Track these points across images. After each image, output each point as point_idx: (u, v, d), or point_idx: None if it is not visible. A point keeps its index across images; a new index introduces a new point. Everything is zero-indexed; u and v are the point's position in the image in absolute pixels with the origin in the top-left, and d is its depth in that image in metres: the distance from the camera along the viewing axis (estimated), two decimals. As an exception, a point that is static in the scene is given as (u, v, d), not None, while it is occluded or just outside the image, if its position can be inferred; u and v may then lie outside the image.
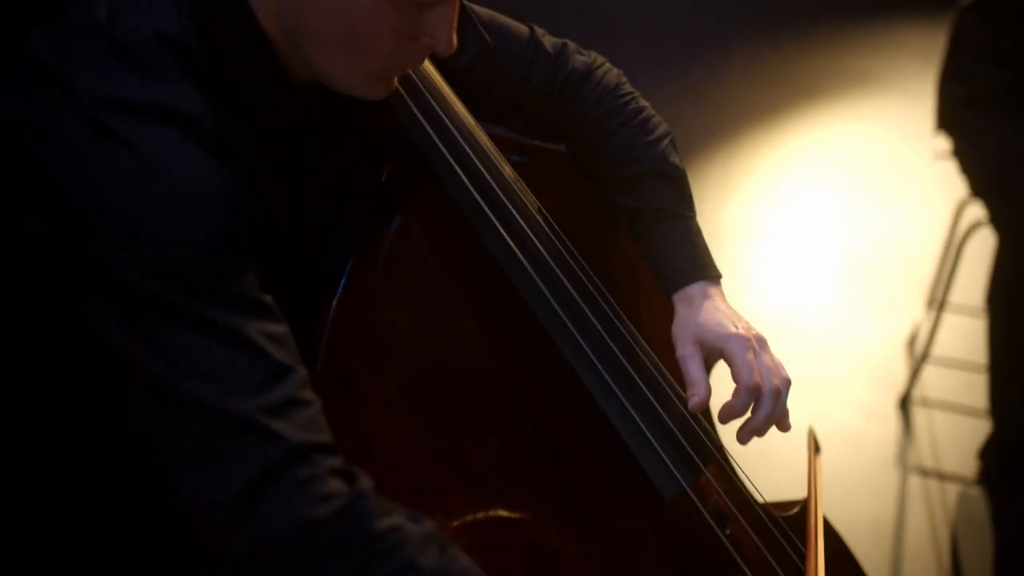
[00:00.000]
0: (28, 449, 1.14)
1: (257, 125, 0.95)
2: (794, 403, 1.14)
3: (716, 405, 1.15)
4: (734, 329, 1.14)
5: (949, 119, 2.42)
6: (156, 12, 0.93)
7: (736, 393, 1.11)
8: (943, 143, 2.50)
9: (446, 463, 1.05)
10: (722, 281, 1.22)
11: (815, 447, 1.30)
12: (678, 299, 1.20)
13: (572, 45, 1.29)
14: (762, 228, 3.46)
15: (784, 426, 1.15)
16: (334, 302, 1.03)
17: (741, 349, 1.12)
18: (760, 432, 1.13)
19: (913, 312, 2.96)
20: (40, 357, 1.00)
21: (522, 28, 1.26)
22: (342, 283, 1.04)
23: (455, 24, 0.97)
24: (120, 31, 0.91)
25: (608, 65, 1.30)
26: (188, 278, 0.86)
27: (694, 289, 1.19)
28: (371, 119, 1.11)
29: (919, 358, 2.68)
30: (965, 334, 2.82)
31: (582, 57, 1.28)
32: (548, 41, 1.27)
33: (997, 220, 2.33)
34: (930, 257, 2.89)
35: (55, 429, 1.09)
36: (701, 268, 1.20)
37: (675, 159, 1.24)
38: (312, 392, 0.90)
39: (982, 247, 2.54)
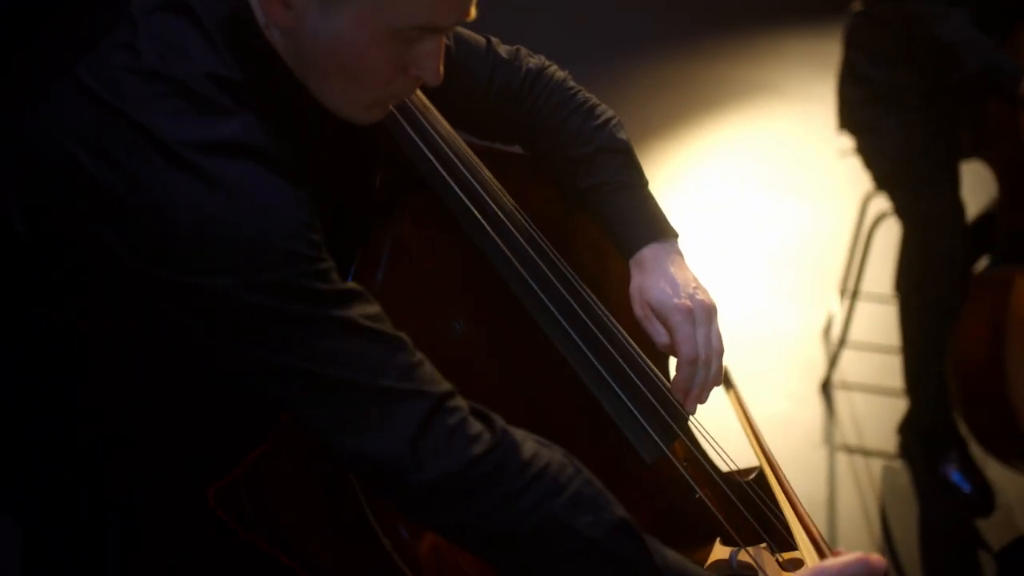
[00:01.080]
0: (28, 449, 1.22)
1: (298, 141, 1.06)
2: (722, 390, 1.28)
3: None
4: (676, 300, 1.26)
5: (849, 118, 2.64)
6: (198, 54, 1.02)
7: (678, 366, 1.26)
8: (846, 141, 2.71)
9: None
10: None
11: (727, 382, 1.39)
12: (632, 263, 1.32)
13: (524, 49, 1.42)
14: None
15: (702, 398, 1.28)
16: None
17: (682, 322, 1.25)
18: (700, 399, 1.27)
19: (828, 301, 3.17)
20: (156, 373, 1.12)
21: (479, 39, 1.38)
22: (349, 279, 1.15)
23: (441, 56, 1.07)
24: (178, 74, 1.00)
25: (556, 65, 1.43)
26: (298, 288, 0.98)
27: (645, 252, 1.31)
28: (361, 131, 1.23)
29: (836, 344, 2.89)
30: (878, 319, 3.03)
31: (533, 59, 1.41)
32: (503, 49, 1.39)
33: (900, 210, 2.54)
34: (841, 249, 3.11)
35: (65, 430, 1.18)
36: (654, 231, 1.32)
37: (622, 135, 1.37)
38: (419, 351, 1.04)
39: (888, 237, 2.75)
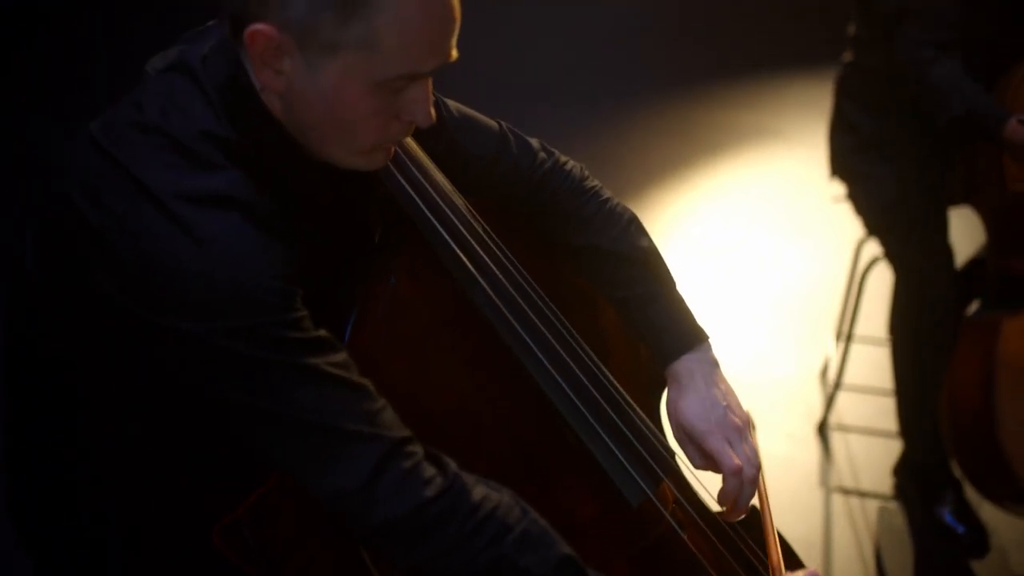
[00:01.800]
0: (29, 450, 1.30)
1: (287, 197, 1.14)
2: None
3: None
4: (708, 425, 1.34)
5: (841, 165, 2.72)
6: (197, 112, 1.11)
7: (724, 477, 1.33)
8: (838, 188, 2.79)
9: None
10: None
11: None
12: (668, 375, 1.40)
13: (536, 142, 1.47)
14: (674, 274, 3.72)
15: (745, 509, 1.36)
16: (343, 348, 1.21)
17: (718, 447, 1.33)
18: (744, 509, 1.35)
19: (824, 344, 3.24)
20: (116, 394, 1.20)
21: (491, 122, 1.45)
22: (347, 333, 1.23)
23: (430, 98, 1.15)
24: (175, 130, 1.10)
25: (572, 161, 1.49)
26: (269, 336, 1.06)
27: (679, 367, 1.38)
28: (363, 189, 1.31)
29: (832, 386, 2.95)
30: (874, 362, 3.09)
31: (545, 154, 1.46)
32: (516, 136, 1.45)
33: (891, 255, 2.62)
34: (838, 292, 3.18)
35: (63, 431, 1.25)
36: (685, 342, 1.39)
37: (643, 242, 1.44)
38: (382, 398, 1.12)
39: (883, 280, 2.82)
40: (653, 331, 1.40)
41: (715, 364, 1.39)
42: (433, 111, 1.17)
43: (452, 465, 1.14)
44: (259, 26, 1.06)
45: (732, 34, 5.84)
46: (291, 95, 1.11)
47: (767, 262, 3.84)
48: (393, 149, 1.23)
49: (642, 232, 1.44)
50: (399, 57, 1.08)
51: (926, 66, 2.34)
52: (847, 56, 2.67)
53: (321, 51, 1.07)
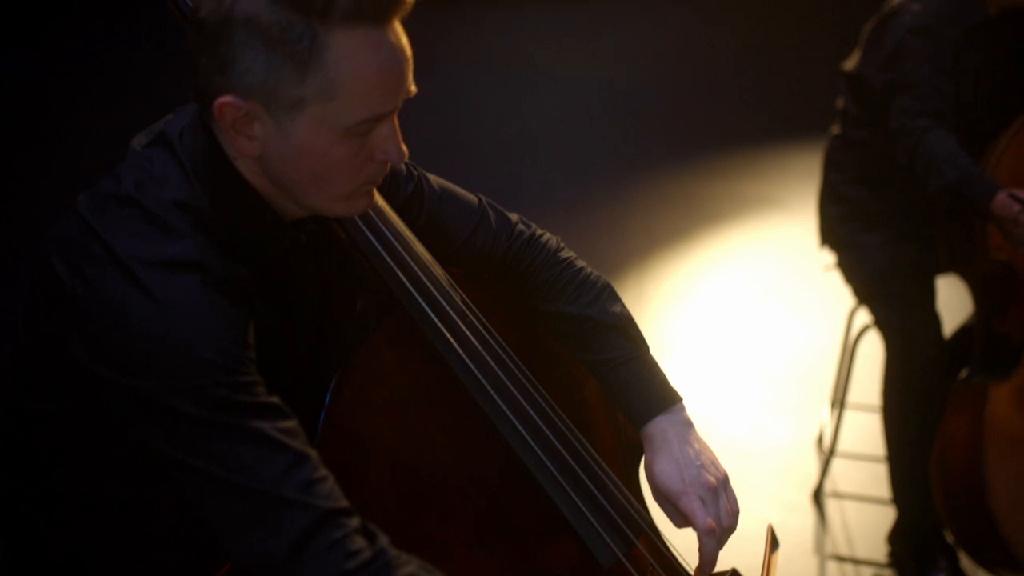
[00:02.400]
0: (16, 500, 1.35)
1: (258, 262, 1.22)
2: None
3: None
4: (681, 485, 1.37)
5: (830, 235, 2.79)
6: (172, 182, 1.20)
7: (699, 538, 1.36)
8: (828, 256, 2.86)
9: (420, 544, 1.28)
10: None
11: (773, 542, 1.48)
12: (643, 437, 1.44)
13: (514, 216, 1.54)
14: (675, 342, 3.78)
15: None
16: (322, 415, 1.28)
17: (692, 506, 1.36)
18: (713, 566, 1.38)
19: (819, 412, 3.28)
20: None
21: (472, 196, 1.52)
22: (328, 398, 1.29)
23: (399, 135, 1.21)
24: (147, 200, 1.18)
25: (548, 234, 1.56)
26: (215, 397, 1.11)
27: (652, 428, 1.42)
28: (346, 261, 1.38)
29: (827, 454, 2.98)
30: (868, 429, 3.13)
31: (523, 226, 1.54)
32: (494, 210, 1.52)
33: (880, 323, 2.67)
34: (831, 360, 3.23)
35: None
36: (657, 404, 1.43)
37: (616, 308, 1.49)
38: (325, 468, 1.15)
39: (874, 348, 2.87)
40: (626, 394, 1.45)
41: (688, 424, 1.44)
42: (404, 147, 1.23)
43: (383, 540, 1.16)
44: (225, 98, 1.14)
45: (733, 104, 5.96)
46: (266, 156, 1.19)
47: (764, 330, 3.90)
48: (373, 193, 1.28)
49: (615, 298, 1.50)
50: (360, 102, 1.15)
51: (921, 134, 2.38)
52: (835, 129, 2.76)
53: (287, 109, 1.15)
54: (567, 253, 1.53)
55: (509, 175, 5.17)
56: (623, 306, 1.51)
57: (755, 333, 3.88)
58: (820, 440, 3.19)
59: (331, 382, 1.30)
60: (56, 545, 1.34)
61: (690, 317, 3.96)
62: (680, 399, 1.46)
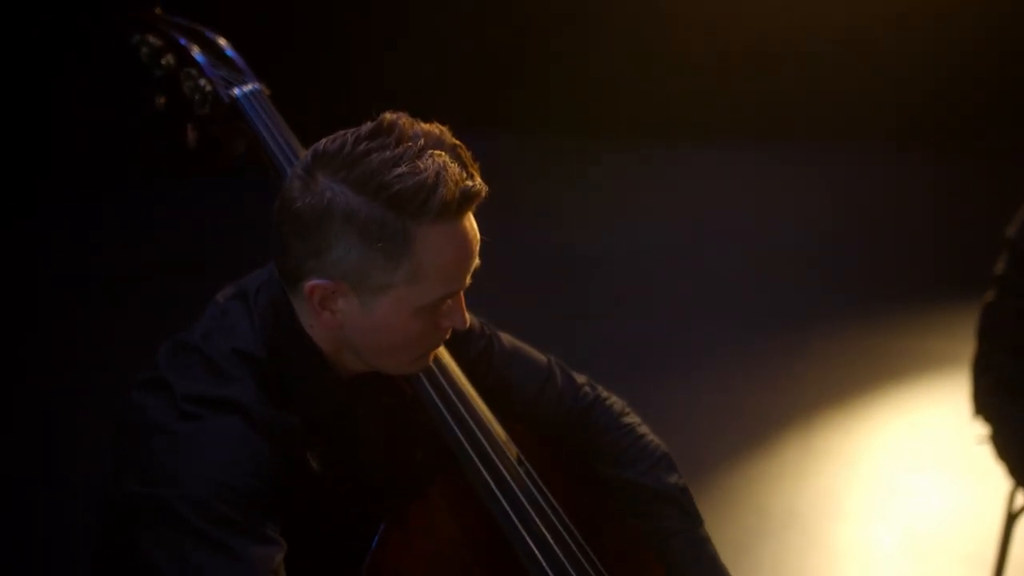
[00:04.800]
0: None
1: (308, 413, 1.35)
2: None
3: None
4: None
5: (981, 406, 2.69)
6: (238, 333, 1.37)
7: None
8: (983, 428, 2.75)
9: None
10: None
11: None
12: None
13: (582, 378, 1.65)
14: (842, 508, 3.67)
15: None
16: (367, 558, 1.37)
17: None
18: None
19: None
20: None
21: (541, 356, 1.63)
22: (375, 543, 1.39)
23: (463, 305, 1.36)
24: (209, 348, 1.36)
25: (614, 397, 1.65)
26: (214, 512, 1.25)
27: None
28: (409, 413, 1.49)
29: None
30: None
31: (589, 389, 1.63)
32: (562, 371, 1.63)
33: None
34: (989, 534, 3.07)
35: None
36: None
37: (671, 479, 1.56)
38: None
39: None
40: (674, 564, 1.48)
41: None
42: (468, 315, 1.37)
43: None
44: (316, 281, 1.30)
45: (919, 255, 5.81)
46: (346, 328, 1.34)
47: (926, 497, 3.73)
48: (435, 352, 1.42)
49: (672, 469, 1.55)
50: (439, 284, 1.30)
51: None
52: (989, 296, 2.68)
53: (373, 292, 1.29)
54: (631, 419, 1.60)
55: (679, 326, 5.21)
56: (679, 477, 1.55)
57: (919, 500, 3.72)
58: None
59: (380, 526, 1.40)
60: None
61: (858, 481, 3.83)
62: None
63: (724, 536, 3.43)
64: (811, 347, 4.88)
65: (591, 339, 4.81)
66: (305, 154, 1.33)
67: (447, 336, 1.41)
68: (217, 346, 1.35)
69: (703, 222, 6.27)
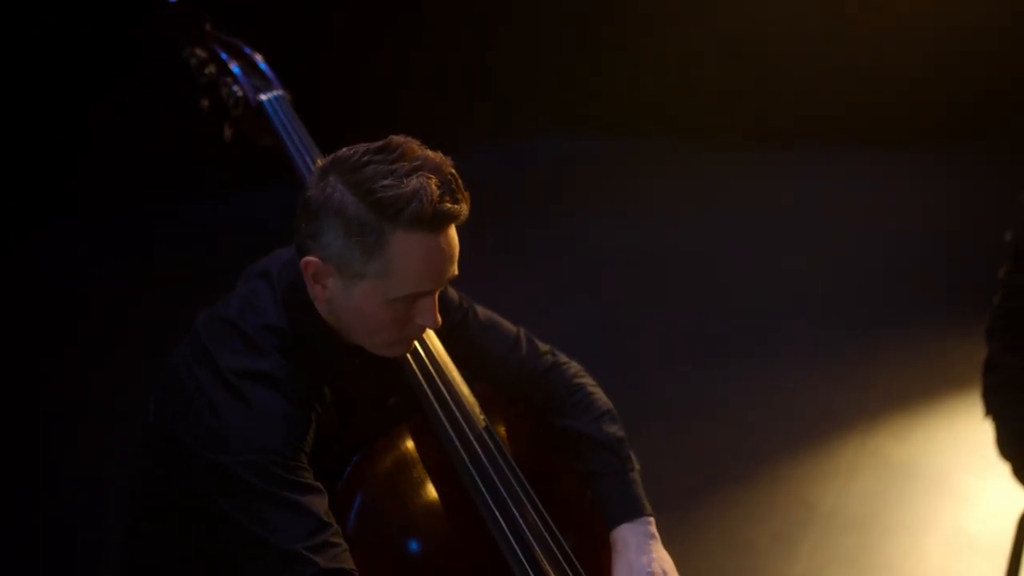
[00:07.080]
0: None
1: (320, 374, 1.67)
2: None
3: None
4: None
5: (987, 406, 2.82)
6: (266, 310, 1.69)
7: None
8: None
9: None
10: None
11: None
12: (612, 540, 1.76)
13: (546, 347, 1.93)
14: (890, 510, 3.77)
15: None
16: (339, 483, 1.69)
17: None
18: None
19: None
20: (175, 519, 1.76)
21: (512, 327, 1.93)
22: (347, 471, 1.71)
23: (436, 307, 1.64)
24: (245, 325, 1.68)
25: (572, 363, 1.93)
26: (269, 472, 1.58)
27: (617, 534, 1.76)
28: (385, 370, 1.80)
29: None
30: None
31: (551, 356, 1.92)
32: (529, 341, 1.92)
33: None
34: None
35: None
36: (623, 513, 1.76)
37: (611, 429, 1.84)
38: (341, 538, 1.58)
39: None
40: (602, 500, 1.77)
41: (651, 536, 1.72)
42: (439, 317, 1.66)
43: None
44: (310, 258, 1.62)
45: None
46: (333, 304, 1.66)
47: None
48: (412, 342, 1.72)
49: (613, 421, 1.84)
50: (408, 282, 1.60)
51: None
52: (996, 299, 2.81)
53: (352, 277, 1.61)
54: (583, 379, 1.88)
55: (749, 323, 5.35)
56: (619, 428, 1.82)
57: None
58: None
59: (353, 457, 1.72)
60: None
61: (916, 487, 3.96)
62: (648, 513, 1.75)
63: (768, 526, 3.63)
64: (879, 352, 4.98)
65: (668, 331, 5.14)
66: (329, 156, 1.65)
67: (422, 332, 1.72)
68: (251, 323, 1.67)
69: (772, 223, 6.39)
